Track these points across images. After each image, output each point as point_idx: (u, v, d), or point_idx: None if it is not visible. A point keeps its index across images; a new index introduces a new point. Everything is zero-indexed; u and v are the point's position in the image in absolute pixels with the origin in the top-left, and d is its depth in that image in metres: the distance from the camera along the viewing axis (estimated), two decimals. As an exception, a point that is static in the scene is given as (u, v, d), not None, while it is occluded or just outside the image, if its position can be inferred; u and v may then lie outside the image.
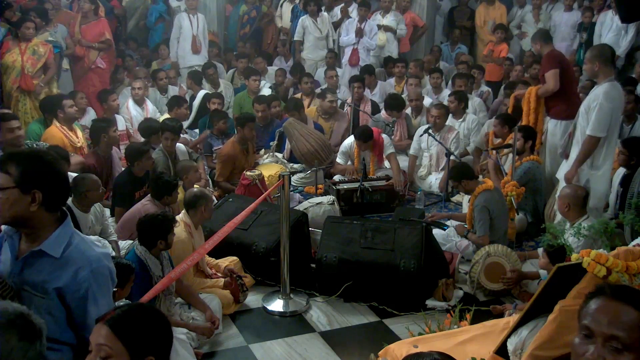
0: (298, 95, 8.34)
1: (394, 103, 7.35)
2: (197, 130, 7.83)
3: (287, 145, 7.08)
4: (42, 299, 2.13)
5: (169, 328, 1.89)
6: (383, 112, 7.52)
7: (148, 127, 6.37)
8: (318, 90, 8.46)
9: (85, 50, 8.13)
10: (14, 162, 2.11)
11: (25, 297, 2.13)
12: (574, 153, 5.09)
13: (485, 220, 4.91)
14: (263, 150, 7.24)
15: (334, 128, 7.61)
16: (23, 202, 2.11)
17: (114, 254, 4.42)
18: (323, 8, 10.01)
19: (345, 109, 7.94)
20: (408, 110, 7.75)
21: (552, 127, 5.93)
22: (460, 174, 5.14)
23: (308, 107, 8.02)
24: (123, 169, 5.85)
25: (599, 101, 4.81)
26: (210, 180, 6.50)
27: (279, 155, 7.11)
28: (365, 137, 6.46)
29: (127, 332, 1.78)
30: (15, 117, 5.45)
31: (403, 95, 8.18)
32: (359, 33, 9.31)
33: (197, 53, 9.37)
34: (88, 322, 2.14)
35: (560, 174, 5.27)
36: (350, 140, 6.77)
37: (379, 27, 9.65)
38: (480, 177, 5.89)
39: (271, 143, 7.14)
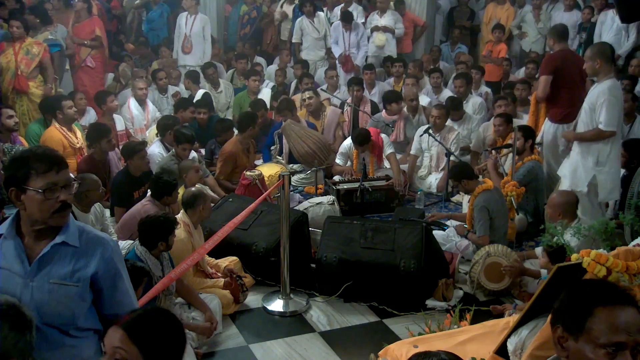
0: (298, 96, 8.34)
1: (392, 96, 7.30)
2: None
3: (285, 147, 7.07)
4: (76, 287, 2.19)
5: (183, 333, 1.91)
6: (383, 112, 7.49)
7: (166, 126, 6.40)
8: (318, 90, 8.46)
9: (77, 48, 8.12)
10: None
11: (54, 290, 2.17)
12: (575, 151, 5.09)
13: (485, 220, 4.91)
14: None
15: (325, 124, 7.61)
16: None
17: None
18: (326, 9, 10.01)
19: (345, 109, 7.94)
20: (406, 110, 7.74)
21: (547, 128, 5.96)
22: (461, 173, 5.14)
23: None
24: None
25: (606, 97, 4.77)
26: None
27: (279, 158, 7.11)
28: (361, 140, 6.45)
29: (142, 337, 1.80)
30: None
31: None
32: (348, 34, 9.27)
33: (187, 53, 9.43)
34: (118, 297, 2.29)
35: (562, 172, 5.27)
36: (349, 141, 6.77)
37: (378, 28, 9.66)
38: (480, 177, 5.90)
39: (272, 147, 7.13)
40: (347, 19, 9.25)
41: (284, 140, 7.01)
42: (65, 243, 2.20)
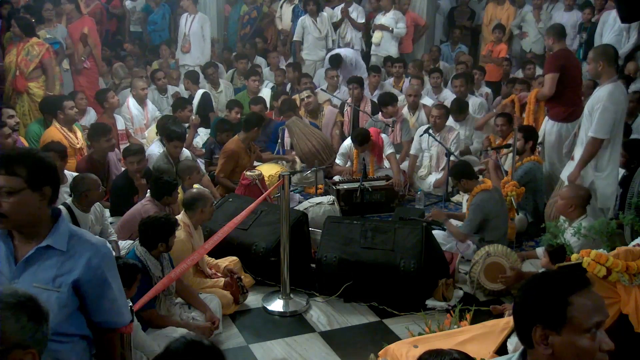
0: (297, 96, 8.34)
1: (387, 99, 7.26)
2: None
3: (287, 145, 7.07)
4: (56, 293, 2.16)
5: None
6: (380, 114, 7.46)
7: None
8: (317, 90, 8.46)
9: (75, 50, 8.12)
10: (18, 163, 2.12)
11: (36, 294, 2.10)
12: (578, 154, 5.08)
13: (474, 220, 4.92)
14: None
15: (322, 124, 7.62)
16: (34, 200, 2.14)
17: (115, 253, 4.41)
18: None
19: (345, 109, 7.95)
20: (405, 111, 7.72)
21: (549, 128, 5.94)
22: (460, 172, 5.14)
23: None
24: (123, 169, 5.85)
25: (602, 103, 4.75)
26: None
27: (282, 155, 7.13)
28: (361, 140, 6.44)
29: None
30: (4, 124, 5.42)
31: (400, 97, 8.15)
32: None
33: (185, 52, 9.49)
34: (106, 306, 2.24)
35: (565, 174, 5.25)
36: (350, 141, 6.77)
37: (376, 26, 9.65)
38: (481, 177, 5.89)
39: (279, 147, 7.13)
40: (334, 64, 8.95)
41: (286, 137, 7.01)
42: (51, 247, 2.17)
